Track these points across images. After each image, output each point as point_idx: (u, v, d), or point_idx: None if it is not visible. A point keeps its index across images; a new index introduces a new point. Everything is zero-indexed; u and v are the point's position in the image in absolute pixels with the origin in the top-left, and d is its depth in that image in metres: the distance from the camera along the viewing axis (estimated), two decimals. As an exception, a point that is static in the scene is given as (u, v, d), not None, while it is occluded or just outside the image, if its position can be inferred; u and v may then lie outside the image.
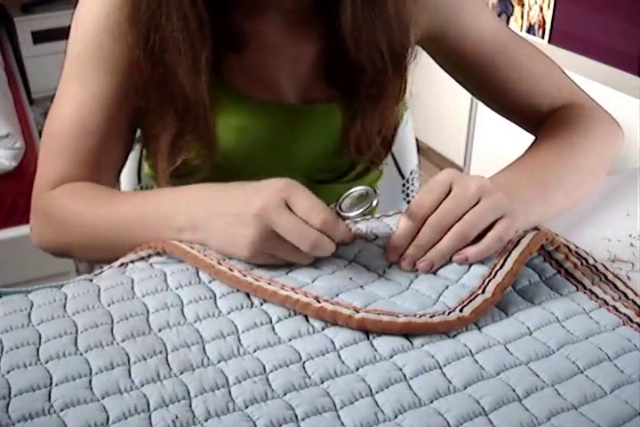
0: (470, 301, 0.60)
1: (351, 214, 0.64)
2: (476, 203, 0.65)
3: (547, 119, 0.90)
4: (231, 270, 0.63)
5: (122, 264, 0.69)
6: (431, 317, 0.58)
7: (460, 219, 0.64)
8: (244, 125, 0.87)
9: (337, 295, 0.61)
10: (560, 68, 0.93)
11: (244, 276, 0.62)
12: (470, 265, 0.64)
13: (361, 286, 0.63)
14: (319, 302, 0.59)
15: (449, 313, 0.58)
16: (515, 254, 0.63)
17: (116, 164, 0.86)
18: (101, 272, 0.68)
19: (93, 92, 0.81)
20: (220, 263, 0.64)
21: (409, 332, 0.57)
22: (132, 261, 0.69)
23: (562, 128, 0.85)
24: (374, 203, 0.64)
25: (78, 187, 0.82)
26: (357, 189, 0.65)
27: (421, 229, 0.65)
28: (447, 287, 0.62)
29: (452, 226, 0.65)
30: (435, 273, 0.65)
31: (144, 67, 0.77)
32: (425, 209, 0.65)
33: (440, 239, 0.65)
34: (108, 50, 0.80)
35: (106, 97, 0.81)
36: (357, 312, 0.58)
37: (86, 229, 0.77)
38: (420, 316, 0.58)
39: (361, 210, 0.63)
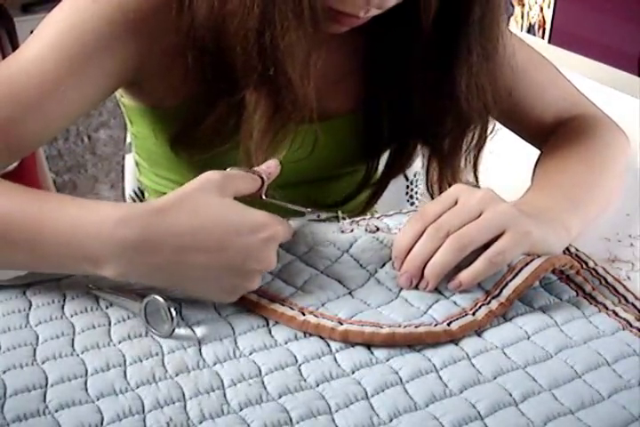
0: (458, 318, 0.59)
1: None
2: (480, 215, 0.62)
3: (555, 132, 0.86)
4: None
5: None
6: (416, 327, 0.57)
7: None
8: None
9: (323, 305, 0.60)
10: (564, 75, 0.90)
11: None
12: None
13: (350, 293, 0.62)
14: (304, 314, 0.59)
15: (435, 325, 0.58)
16: (512, 285, 0.61)
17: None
18: None
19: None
20: None
21: (393, 343, 0.56)
22: None
23: (570, 145, 0.81)
24: None
25: None
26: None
27: (420, 238, 0.62)
28: (437, 301, 0.61)
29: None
30: None
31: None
32: (427, 218, 0.63)
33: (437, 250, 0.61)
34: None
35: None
36: (341, 324, 0.57)
37: None
38: (405, 326, 0.57)
39: None
